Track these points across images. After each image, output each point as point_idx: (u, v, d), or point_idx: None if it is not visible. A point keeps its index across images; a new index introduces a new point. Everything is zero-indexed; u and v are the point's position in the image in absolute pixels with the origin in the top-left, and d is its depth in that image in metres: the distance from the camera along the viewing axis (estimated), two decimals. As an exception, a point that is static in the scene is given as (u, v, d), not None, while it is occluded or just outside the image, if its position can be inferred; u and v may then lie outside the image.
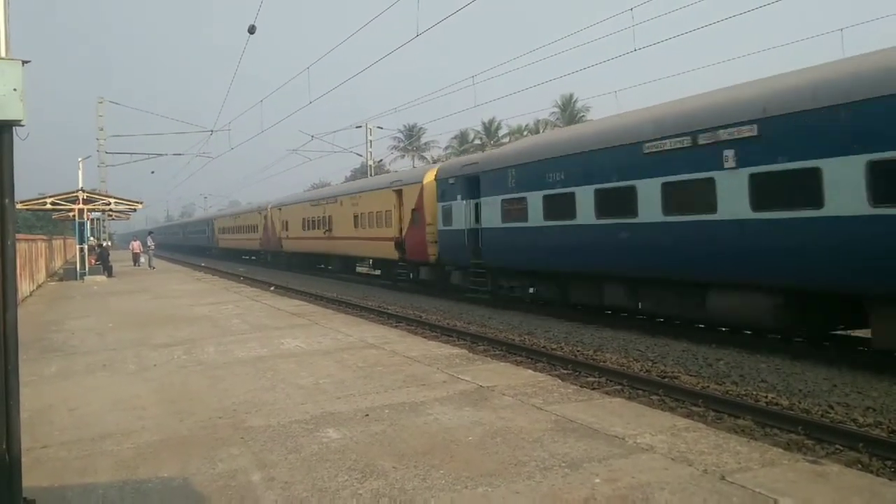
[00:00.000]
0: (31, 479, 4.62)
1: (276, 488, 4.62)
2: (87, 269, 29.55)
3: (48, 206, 30.15)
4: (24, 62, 4.15)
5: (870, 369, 10.05)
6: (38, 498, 4.21)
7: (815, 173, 10.09)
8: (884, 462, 6.67)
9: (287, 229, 40.88)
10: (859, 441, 7.05)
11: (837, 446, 7.12)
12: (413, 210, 23.68)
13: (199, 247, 74.91)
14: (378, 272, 30.30)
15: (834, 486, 4.35)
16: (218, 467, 5.11)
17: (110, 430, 6.25)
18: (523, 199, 17.14)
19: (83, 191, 30.23)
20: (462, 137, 70.20)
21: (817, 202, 10.10)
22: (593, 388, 9.42)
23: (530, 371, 9.17)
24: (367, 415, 6.41)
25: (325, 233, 33.15)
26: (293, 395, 7.33)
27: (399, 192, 25.06)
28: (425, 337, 13.40)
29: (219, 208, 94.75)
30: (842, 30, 19.04)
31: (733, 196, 11.43)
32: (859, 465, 6.52)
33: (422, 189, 23.06)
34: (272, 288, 26.72)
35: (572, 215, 15.37)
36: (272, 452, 5.41)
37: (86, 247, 30.16)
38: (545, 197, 16.29)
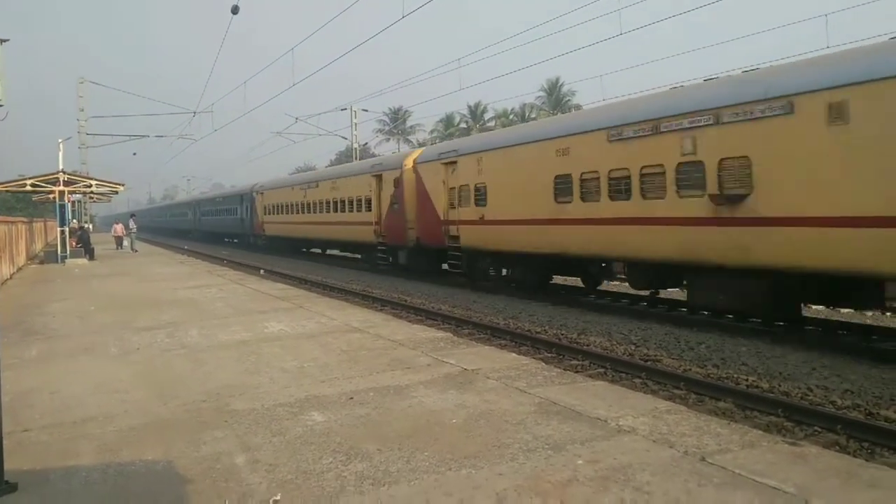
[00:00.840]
0: (13, 462, 4.59)
1: (261, 470, 4.62)
2: (68, 251, 29.21)
3: (28, 188, 29.72)
4: (2, 41, 4.08)
5: (848, 353, 10.21)
6: (20, 481, 4.20)
7: None
8: (861, 444, 6.80)
9: (482, 201, 18.66)
10: (837, 423, 7.18)
11: (816, 428, 7.25)
12: None
13: (225, 234, 53.75)
14: None
15: (812, 467, 4.42)
16: (202, 450, 5.10)
17: (93, 413, 6.22)
18: None
19: (64, 172, 29.78)
20: (448, 121, 70.06)
21: None
22: (577, 371, 9.50)
23: (514, 354, 9.23)
24: (351, 398, 6.43)
25: (718, 199, 11.40)
26: (277, 379, 7.32)
27: None
28: (410, 321, 13.41)
29: (201, 191, 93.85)
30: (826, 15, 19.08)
31: None
32: (837, 447, 6.63)
33: None
34: (262, 272, 26.59)
35: None
36: (256, 435, 5.41)
37: (67, 229, 29.81)
38: None
